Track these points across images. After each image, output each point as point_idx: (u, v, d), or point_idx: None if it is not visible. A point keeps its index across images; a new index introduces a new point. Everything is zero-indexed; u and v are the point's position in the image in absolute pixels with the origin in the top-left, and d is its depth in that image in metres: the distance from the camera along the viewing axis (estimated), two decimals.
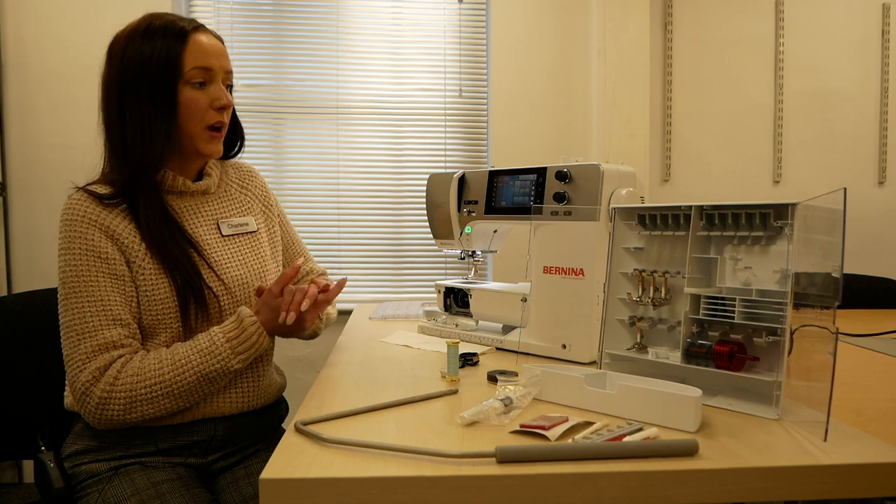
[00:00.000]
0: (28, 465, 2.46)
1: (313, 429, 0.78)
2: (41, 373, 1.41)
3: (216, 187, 1.26)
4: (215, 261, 1.17)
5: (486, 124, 2.76)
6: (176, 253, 1.11)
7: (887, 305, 2.03)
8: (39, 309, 1.46)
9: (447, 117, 2.74)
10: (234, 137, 1.31)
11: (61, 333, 1.06)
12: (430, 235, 1.54)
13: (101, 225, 1.08)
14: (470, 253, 1.51)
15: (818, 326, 0.79)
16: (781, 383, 0.84)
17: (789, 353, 0.84)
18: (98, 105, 1.16)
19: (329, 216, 2.71)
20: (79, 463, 1.10)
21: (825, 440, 0.74)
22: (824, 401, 0.74)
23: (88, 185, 1.14)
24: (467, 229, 1.44)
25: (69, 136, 2.46)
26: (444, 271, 2.78)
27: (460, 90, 2.74)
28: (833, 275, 0.77)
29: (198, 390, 1.06)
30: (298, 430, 0.79)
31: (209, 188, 1.23)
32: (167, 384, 1.03)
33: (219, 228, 1.22)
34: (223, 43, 1.20)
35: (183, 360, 1.04)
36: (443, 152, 2.75)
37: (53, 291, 1.51)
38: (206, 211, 1.22)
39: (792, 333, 0.84)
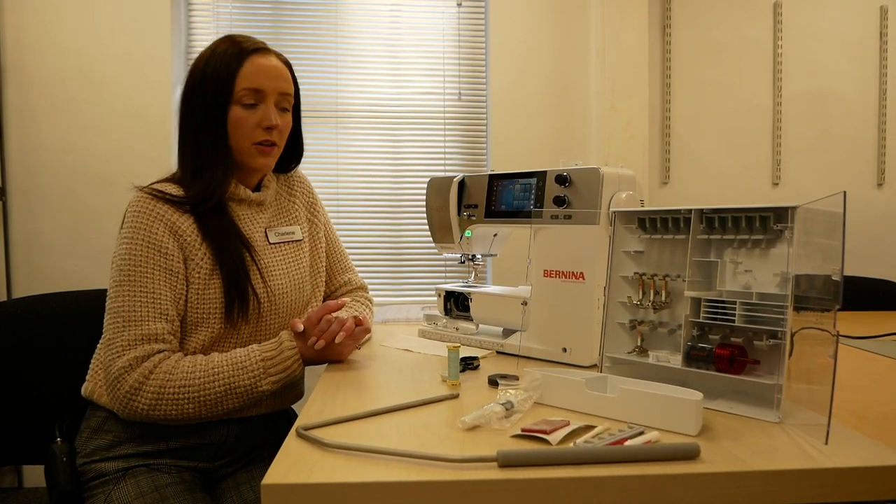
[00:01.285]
0: (28, 470, 2.46)
1: (315, 434, 0.78)
2: (44, 377, 1.40)
3: (271, 199, 1.31)
4: (263, 266, 1.21)
5: (485, 127, 2.76)
6: (232, 254, 1.15)
7: (886, 307, 2.03)
8: (40, 314, 1.46)
9: (446, 121, 2.74)
10: (293, 153, 1.36)
11: (106, 318, 1.09)
12: (430, 239, 1.54)
13: (167, 221, 1.12)
14: (470, 257, 1.51)
15: (819, 329, 0.79)
16: (782, 386, 0.84)
17: (790, 356, 0.84)
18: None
19: None
20: (89, 461, 1.11)
21: (826, 443, 0.74)
22: (825, 404, 0.74)
23: (158, 182, 1.19)
24: (467, 233, 1.44)
25: (68, 140, 2.46)
26: (443, 275, 2.78)
27: (459, 93, 2.74)
28: (833, 278, 0.77)
29: (223, 402, 1.07)
30: (300, 435, 0.79)
31: (265, 200, 1.28)
32: (195, 388, 1.04)
33: (266, 236, 1.26)
34: (288, 66, 1.25)
35: (215, 369, 1.06)
36: (442, 156, 2.75)
37: (54, 296, 1.52)
38: (259, 220, 1.26)
39: (792, 336, 0.84)
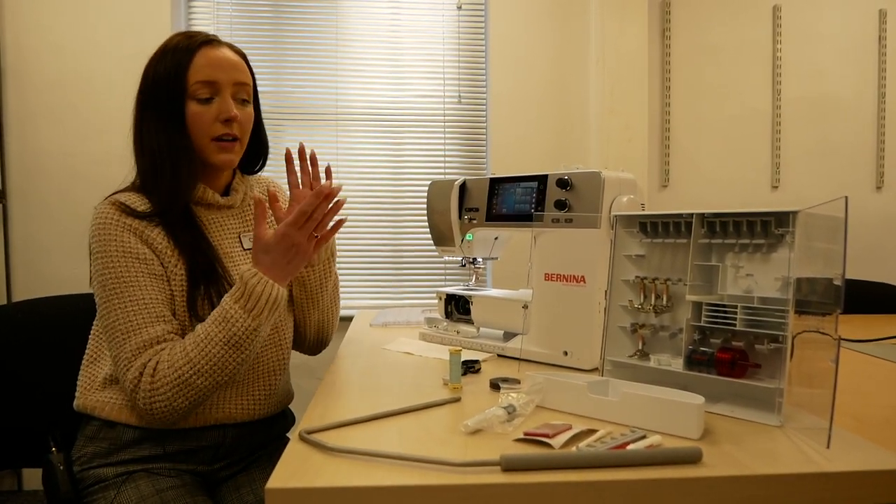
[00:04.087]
0: (28, 473, 2.46)
1: (318, 437, 0.78)
2: (44, 381, 1.40)
3: (241, 202, 1.28)
4: (234, 274, 1.18)
5: (485, 130, 2.77)
6: (201, 264, 1.13)
7: (885, 310, 2.04)
8: (41, 317, 1.46)
9: (446, 123, 2.75)
10: (258, 153, 1.31)
11: (107, 336, 1.08)
12: (431, 242, 1.54)
13: (135, 229, 1.09)
14: (471, 260, 1.51)
15: (820, 333, 0.80)
16: (784, 390, 0.84)
17: (791, 359, 0.84)
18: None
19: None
20: (87, 467, 1.11)
21: (828, 447, 0.74)
22: (826, 407, 0.74)
23: (118, 192, 1.16)
24: (468, 236, 1.44)
25: (68, 144, 2.47)
26: (444, 278, 2.78)
27: (459, 96, 2.75)
28: (835, 282, 0.77)
29: (230, 360, 1.04)
30: (303, 439, 0.79)
31: (234, 203, 1.25)
32: (196, 361, 1.02)
33: (241, 242, 1.24)
34: (243, 56, 1.20)
35: (203, 336, 1.04)
36: (442, 158, 2.76)
37: (54, 299, 1.52)
38: (229, 225, 1.24)
39: (793, 340, 0.84)
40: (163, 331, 1.06)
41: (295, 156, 1.21)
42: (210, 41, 1.16)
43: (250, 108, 1.22)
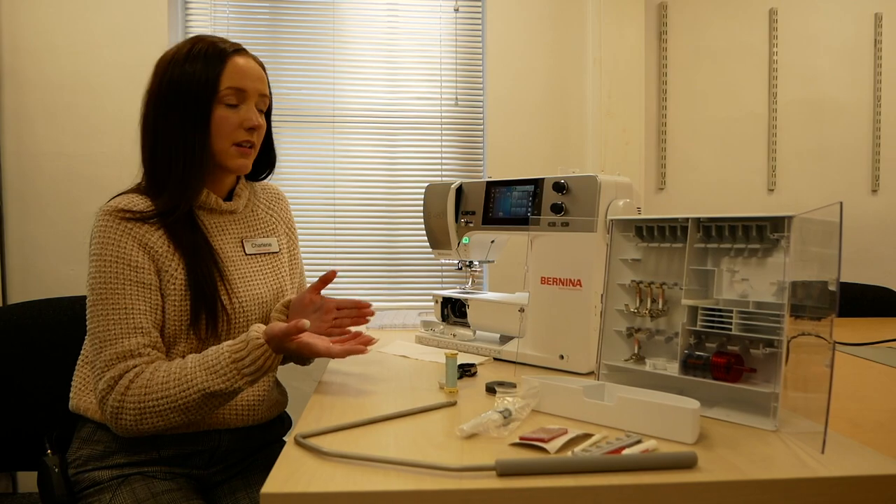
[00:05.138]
0: (23, 476, 2.45)
1: (313, 442, 0.78)
2: (40, 383, 1.40)
3: (244, 207, 1.28)
4: (234, 278, 1.19)
5: (482, 133, 2.77)
6: (201, 268, 1.13)
7: (881, 314, 2.04)
8: (37, 319, 1.46)
9: (443, 126, 2.75)
10: (266, 160, 1.33)
11: (87, 338, 1.09)
12: (427, 245, 1.54)
13: (135, 235, 1.10)
14: (467, 263, 1.51)
15: (815, 337, 0.80)
16: (779, 395, 0.84)
17: (786, 364, 0.84)
18: (139, 121, 1.19)
19: (325, 225, 2.71)
20: (82, 470, 1.11)
21: (822, 452, 0.75)
22: (821, 412, 0.74)
23: (123, 193, 1.16)
24: (465, 240, 1.44)
25: (65, 145, 2.46)
26: (440, 281, 2.78)
27: (456, 99, 2.75)
28: (830, 287, 0.77)
29: (204, 407, 1.05)
30: (298, 444, 0.79)
31: (238, 208, 1.26)
32: (172, 399, 1.02)
33: (243, 247, 1.24)
34: (263, 68, 1.23)
35: (189, 376, 1.02)
36: (439, 161, 2.75)
37: (50, 301, 1.52)
38: (232, 229, 1.24)
39: (788, 344, 0.84)
40: (137, 344, 1.06)
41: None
42: (240, 50, 1.19)
43: (264, 119, 1.24)
